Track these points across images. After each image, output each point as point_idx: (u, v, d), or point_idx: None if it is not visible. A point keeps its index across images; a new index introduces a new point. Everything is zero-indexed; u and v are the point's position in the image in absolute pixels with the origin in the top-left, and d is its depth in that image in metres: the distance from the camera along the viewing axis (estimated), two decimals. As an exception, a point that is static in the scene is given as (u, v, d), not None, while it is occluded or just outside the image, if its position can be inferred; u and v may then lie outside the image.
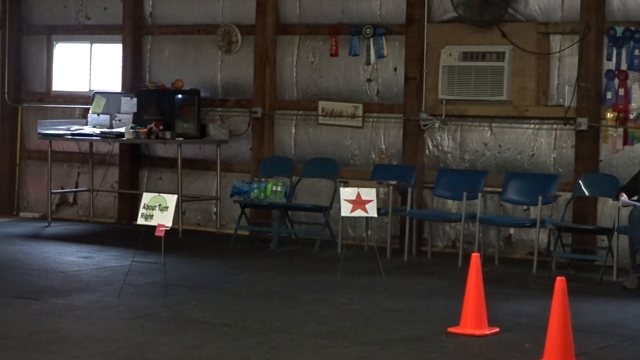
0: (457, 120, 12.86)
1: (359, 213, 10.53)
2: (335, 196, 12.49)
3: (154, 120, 13.80)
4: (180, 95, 14.02)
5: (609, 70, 11.97)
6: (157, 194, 9.69)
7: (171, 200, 9.49)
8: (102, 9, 15.32)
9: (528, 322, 8.82)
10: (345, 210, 10.51)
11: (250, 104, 14.06)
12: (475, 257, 8.28)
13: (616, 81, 11.94)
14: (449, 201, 12.75)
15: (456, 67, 12.54)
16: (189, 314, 8.85)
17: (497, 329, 8.33)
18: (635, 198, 10.83)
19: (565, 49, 12.29)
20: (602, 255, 11.43)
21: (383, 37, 13.26)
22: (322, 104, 13.66)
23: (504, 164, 12.63)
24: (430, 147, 13.04)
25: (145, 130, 13.65)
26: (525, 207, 12.42)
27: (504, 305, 9.46)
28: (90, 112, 14.84)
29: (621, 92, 11.93)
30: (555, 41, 12.39)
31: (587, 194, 11.83)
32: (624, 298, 10.06)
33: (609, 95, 11.97)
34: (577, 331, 7.54)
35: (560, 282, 7.19)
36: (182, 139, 13.73)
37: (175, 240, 12.98)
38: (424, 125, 12.94)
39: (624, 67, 11.92)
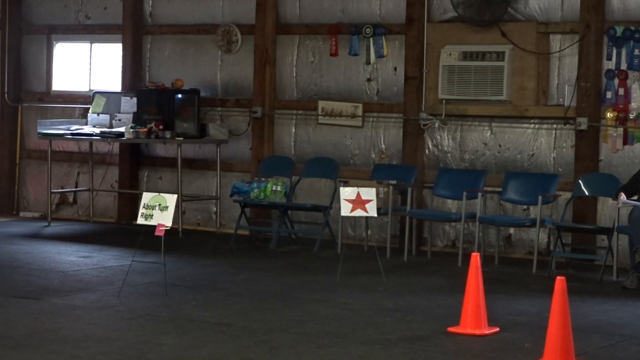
0: (457, 120, 12.86)
1: (358, 213, 10.54)
2: (335, 196, 12.49)
3: (154, 120, 13.80)
4: (180, 95, 14.03)
5: (609, 70, 11.98)
6: (157, 193, 9.70)
7: (171, 200, 9.49)
8: (102, 8, 15.32)
9: (528, 322, 8.82)
10: (345, 210, 10.51)
11: (250, 104, 14.06)
12: (475, 257, 8.28)
13: (616, 81, 11.94)
14: (449, 201, 12.75)
15: (456, 67, 12.55)
16: (189, 313, 8.85)
17: (497, 329, 8.33)
18: (635, 198, 10.84)
19: (565, 49, 12.29)
20: (602, 255, 11.43)
21: (383, 36, 13.26)
22: (322, 104, 13.67)
23: (504, 163, 12.63)
24: (430, 146, 13.04)
25: (145, 130, 13.65)
26: (525, 206, 12.42)
27: (504, 305, 9.46)
28: (90, 111, 14.84)
29: (621, 91, 11.93)
30: (555, 41, 12.39)
31: (587, 193, 11.83)
32: (623, 298, 10.06)
33: (608, 95, 11.97)
34: (577, 331, 7.54)
35: (560, 281, 7.19)
36: (182, 138, 13.73)
37: (175, 240, 12.99)
38: (424, 125, 12.94)
39: (623, 66, 11.92)
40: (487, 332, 8.23)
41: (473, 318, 8.21)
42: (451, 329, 8.29)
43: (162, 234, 9.38)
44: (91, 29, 15.43)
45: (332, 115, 13.59)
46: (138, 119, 14.02)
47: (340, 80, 13.64)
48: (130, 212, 14.61)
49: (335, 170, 13.15)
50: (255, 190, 13.10)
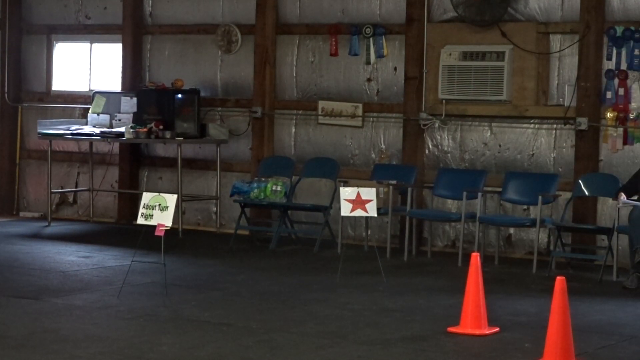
0: (457, 120, 12.86)
1: (358, 213, 10.54)
2: (335, 196, 12.49)
3: (154, 119, 13.80)
4: (180, 95, 14.02)
5: (609, 70, 11.97)
6: (157, 193, 9.69)
7: (171, 199, 9.49)
8: (102, 8, 15.32)
9: (528, 321, 8.82)
10: (345, 210, 10.51)
11: (250, 104, 14.06)
12: (475, 257, 8.28)
13: (616, 81, 11.94)
14: (449, 201, 12.74)
15: (456, 67, 12.54)
16: (189, 313, 8.85)
17: (497, 329, 8.33)
18: (635, 198, 10.84)
19: (565, 49, 12.29)
20: (602, 255, 11.43)
21: (383, 36, 13.26)
22: (322, 104, 13.67)
23: (504, 163, 12.63)
24: (430, 146, 13.04)
25: (145, 129, 13.65)
26: (525, 206, 12.42)
27: (504, 305, 9.46)
28: (90, 111, 14.84)
29: (621, 91, 11.93)
30: (555, 41, 12.39)
31: (587, 193, 11.83)
32: (623, 298, 10.06)
33: (608, 94, 11.97)
34: (577, 331, 7.54)
35: (560, 281, 7.19)
36: (182, 138, 13.73)
37: (175, 240, 12.99)
38: (424, 125, 12.94)
39: (623, 66, 11.92)
40: (487, 332, 8.23)
41: (473, 318, 8.20)
42: (451, 329, 8.29)
43: (162, 234, 9.38)
44: (91, 29, 15.43)
45: (332, 115, 13.59)
46: (138, 119, 14.02)
47: (340, 80, 13.63)
48: (130, 212, 14.61)
49: (335, 170, 13.15)
50: (255, 190, 13.10)
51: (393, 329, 8.41)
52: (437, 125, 12.92)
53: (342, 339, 8.01)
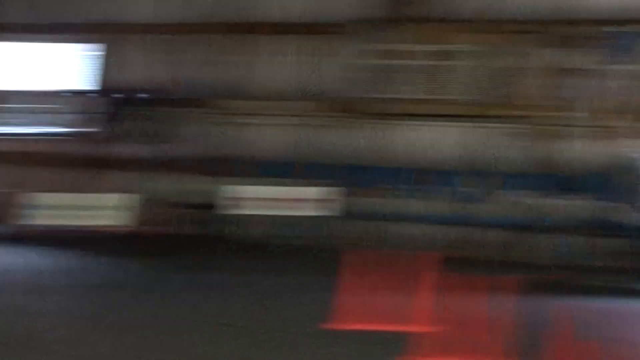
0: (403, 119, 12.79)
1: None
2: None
3: (123, 120, 13.72)
4: (149, 96, 13.89)
5: (585, 70, 11.93)
6: (121, 194, 9.61)
7: (135, 200, 9.41)
8: (66, 7, 15.02)
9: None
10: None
11: (224, 104, 13.90)
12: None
13: (594, 80, 11.92)
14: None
15: (412, 66, 12.48)
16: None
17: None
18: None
19: (527, 49, 12.24)
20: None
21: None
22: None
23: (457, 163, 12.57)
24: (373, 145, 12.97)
25: (113, 131, 13.60)
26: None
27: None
28: (52, 112, 14.64)
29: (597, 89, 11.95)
30: (520, 41, 12.32)
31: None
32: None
33: (581, 93, 11.99)
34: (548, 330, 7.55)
35: (508, 280, 7.22)
36: (152, 139, 13.62)
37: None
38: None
39: (606, 66, 11.92)
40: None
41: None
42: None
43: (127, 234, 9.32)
44: (51, 29, 14.96)
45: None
46: (106, 120, 13.92)
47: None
48: (106, 215, 14.30)
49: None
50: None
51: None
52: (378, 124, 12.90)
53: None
